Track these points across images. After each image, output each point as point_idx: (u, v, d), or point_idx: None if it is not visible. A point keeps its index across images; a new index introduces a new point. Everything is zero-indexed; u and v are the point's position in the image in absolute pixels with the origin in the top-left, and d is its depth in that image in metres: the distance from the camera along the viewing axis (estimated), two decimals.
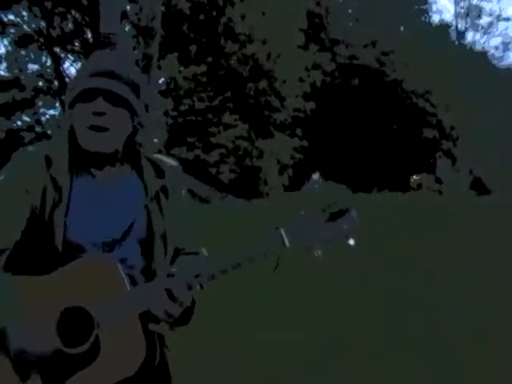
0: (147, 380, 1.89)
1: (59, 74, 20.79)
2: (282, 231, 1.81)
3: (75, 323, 1.77)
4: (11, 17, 20.24)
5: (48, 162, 1.88)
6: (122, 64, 1.93)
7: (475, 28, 40.64)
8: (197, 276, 1.80)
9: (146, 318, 1.83)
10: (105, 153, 1.89)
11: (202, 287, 1.81)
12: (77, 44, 20.95)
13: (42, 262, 1.85)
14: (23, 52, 20.48)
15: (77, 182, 1.91)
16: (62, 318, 1.77)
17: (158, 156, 2.05)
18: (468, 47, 39.53)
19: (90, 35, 20.08)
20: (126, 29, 18.97)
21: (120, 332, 1.79)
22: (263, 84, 22.41)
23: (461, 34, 39.66)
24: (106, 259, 1.85)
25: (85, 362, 1.77)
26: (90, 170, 1.93)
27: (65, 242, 1.85)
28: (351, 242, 1.83)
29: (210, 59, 20.86)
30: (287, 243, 1.81)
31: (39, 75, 20.83)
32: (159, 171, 2.00)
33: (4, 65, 20.77)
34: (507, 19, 41.83)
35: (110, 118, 1.86)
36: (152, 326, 1.86)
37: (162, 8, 13.65)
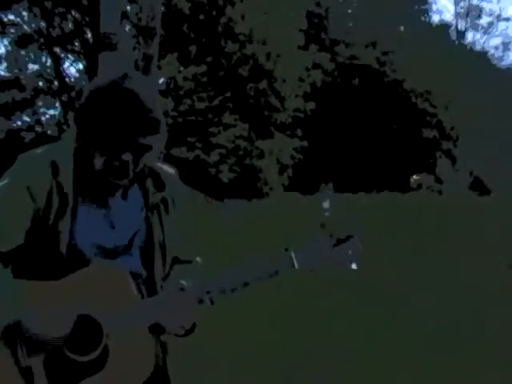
0: None
1: (59, 74, 20.77)
2: (292, 254, 1.92)
3: (84, 331, 1.78)
4: (11, 17, 20.22)
5: (54, 167, 1.87)
6: (150, 93, 1.90)
7: (475, 28, 40.71)
8: (208, 292, 1.86)
9: (153, 328, 1.86)
10: (123, 185, 1.93)
11: (212, 303, 1.87)
12: (77, 44, 20.93)
13: (45, 267, 1.85)
14: (23, 52, 20.46)
15: (82, 188, 1.91)
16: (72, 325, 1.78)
17: (158, 164, 2.06)
18: (468, 47, 39.55)
19: (90, 35, 20.07)
20: (126, 29, 18.96)
21: (129, 342, 1.81)
22: (263, 84, 22.40)
23: (461, 34, 39.69)
24: (117, 268, 1.86)
25: (92, 370, 1.78)
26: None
27: (68, 249, 1.86)
28: (354, 266, 1.98)
29: (210, 59, 20.85)
30: (296, 266, 1.91)
31: (39, 75, 20.81)
32: (160, 183, 2.01)
33: (4, 65, 20.77)
34: (507, 19, 41.95)
35: (134, 163, 1.88)
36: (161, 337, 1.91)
37: (162, 8, 13.65)
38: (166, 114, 19.72)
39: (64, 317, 1.76)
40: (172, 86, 20.60)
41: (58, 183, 1.86)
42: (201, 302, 1.85)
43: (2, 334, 1.76)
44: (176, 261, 2.04)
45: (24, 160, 1.90)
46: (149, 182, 2.00)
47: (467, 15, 40.03)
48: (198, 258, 2.09)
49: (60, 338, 1.76)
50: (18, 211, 1.83)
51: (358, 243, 1.97)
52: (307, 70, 24.56)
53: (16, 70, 20.45)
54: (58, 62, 20.80)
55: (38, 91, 20.61)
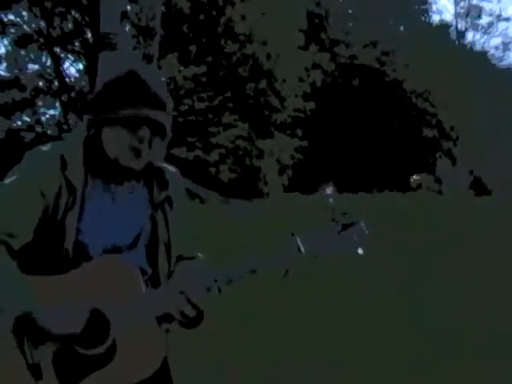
0: (155, 381, 1.91)
1: (59, 73, 20.77)
2: (298, 239, 1.91)
3: (92, 324, 1.78)
4: (11, 17, 20.22)
5: (63, 163, 1.88)
6: (159, 82, 1.96)
7: (475, 28, 40.67)
8: (216, 281, 1.87)
9: (160, 317, 1.87)
10: (136, 169, 1.94)
11: (220, 291, 1.88)
12: (77, 44, 20.93)
13: (51, 264, 1.85)
14: (23, 52, 20.46)
15: (90, 185, 1.92)
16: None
17: (161, 164, 2.08)
18: (468, 47, 39.54)
19: (90, 35, 20.07)
20: (126, 29, 18.95)
21: (137, 334, 1.81)
22: (263, 84, 22.40)
23: (461, 34, 39.67)
24: (126, 262, 1.87)
25: (101, 363, 1.78)
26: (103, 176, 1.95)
27: (75, 245, 1.86)
28: (360, 251, 1.96)
29: (210, 59, 20.86)
30: (303, 250, 1.90)
31: (39, 75, 20.81)
32: (163, 181, 2.04)
33: (4, 65, 20.77)
34: (507, 19, 41.86)
35: (149, 143, 1.92)
36: (164, 325, 1.90)
37: (162, 8, 13.65)
38: None
39: (77, 313, 1.76)
40: (172, 85, 20.60)
41: (67, 178, 1.87)
42: (208, 290, 1.86)
43: (13, 328, 1.75)
44: (179, 258, 2.06)
45: (34, 156, 1.91)
46: (154, 181, 2.03)
47: (467, 15, 40.01)
48: (199, 255, 2.11)
49: (73, 333, 1.76)
50: (28, 208, 1.84)
51: (363, 228, 1.97)
52: (307, 70, 24.56)
53: (16, 70, 20.45)
54: (58, 62, 20.80)
55: (38, 91, 20.60)
